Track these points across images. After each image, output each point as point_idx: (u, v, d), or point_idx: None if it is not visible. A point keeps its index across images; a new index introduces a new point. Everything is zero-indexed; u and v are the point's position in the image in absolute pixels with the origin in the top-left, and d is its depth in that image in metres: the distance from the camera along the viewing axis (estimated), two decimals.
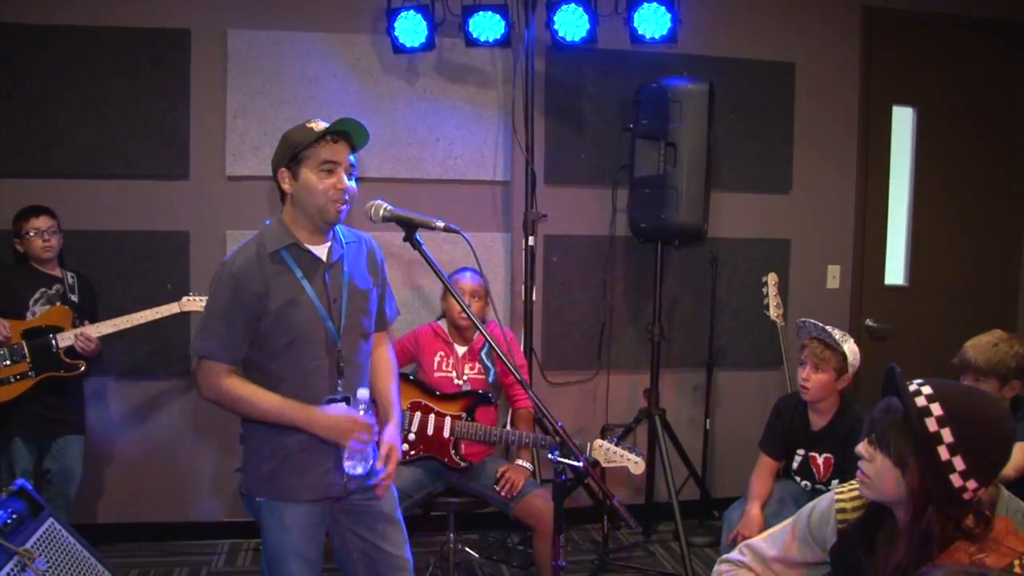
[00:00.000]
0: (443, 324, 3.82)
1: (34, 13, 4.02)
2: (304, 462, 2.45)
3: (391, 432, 2.59)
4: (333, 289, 2.48)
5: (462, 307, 2.53)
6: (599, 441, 3.42)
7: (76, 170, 4.11)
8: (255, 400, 2.38)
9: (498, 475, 3.55)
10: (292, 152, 2.39)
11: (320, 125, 2.41)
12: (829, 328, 3.33)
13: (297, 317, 2.40)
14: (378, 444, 2.54)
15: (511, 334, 3.84)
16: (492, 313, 3.87)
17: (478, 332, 3.73)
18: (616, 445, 3.40)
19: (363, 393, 2.44)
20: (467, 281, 3.76)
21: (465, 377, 3.70)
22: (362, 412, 2.40)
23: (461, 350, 3.74)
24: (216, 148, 4.23)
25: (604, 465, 3.45)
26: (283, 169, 2.42)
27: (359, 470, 2.45)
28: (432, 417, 3.58)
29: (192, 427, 4.34)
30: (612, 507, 3.19)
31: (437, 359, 3.71)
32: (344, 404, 2.45)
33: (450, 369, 3.70)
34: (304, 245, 2.44)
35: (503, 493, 3.50)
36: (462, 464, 3.55)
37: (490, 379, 3.74)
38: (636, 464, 3.40)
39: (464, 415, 3.59)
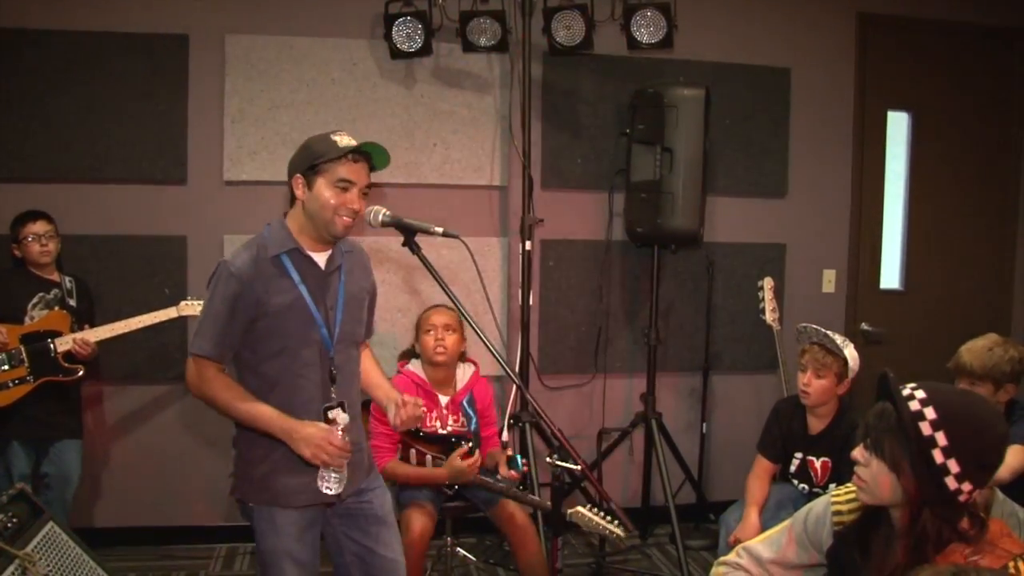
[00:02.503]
0: (417, 369, 3.63)
1: (32, 17, 4.03)
2: (296, 467, 2.45)
3: (385, 391, 2.67)
4: (330, 296, 2.50)
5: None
6: (580, 509, 3.23)
7: (74, 175, 4.11)
8: (236, 402, 2.39)
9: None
10: (311, 161, 2.40)
11: (345, 139, 2.40)
12: (830, 333, 3.35)
13: (293, 322, 2.42)
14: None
15: (490, 391, 3.75)
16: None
17: (459, 383, 3.62)
18: (597, 512, 3.20)
19: (343, 416, 2.45)
20: (438, 316, 3.62)
21: (449, 428, 3.57)
22: (341, 434, 2.37)
23: (444, 400, 3.61)
24: (214, 153, 4.24)
25: (585, 531, 3.33)
26: (299, 175, 2.43)
27: (333, 490, 2.43)
28: (413, 451, 3.47)
29: (189, 432, 4.34)
30: (609, 510, 3.17)
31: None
32: (324, 423, 2.43)
33: (434, 421, 3.56)
34: (305, 251, 2.46)
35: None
36: (452, 491, 3.52)
37: (471, 428, 3.62)
38: (618, 536, 3.18)
39: (444, 457, 3.45)
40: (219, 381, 2.41)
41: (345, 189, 2.39)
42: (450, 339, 3.58)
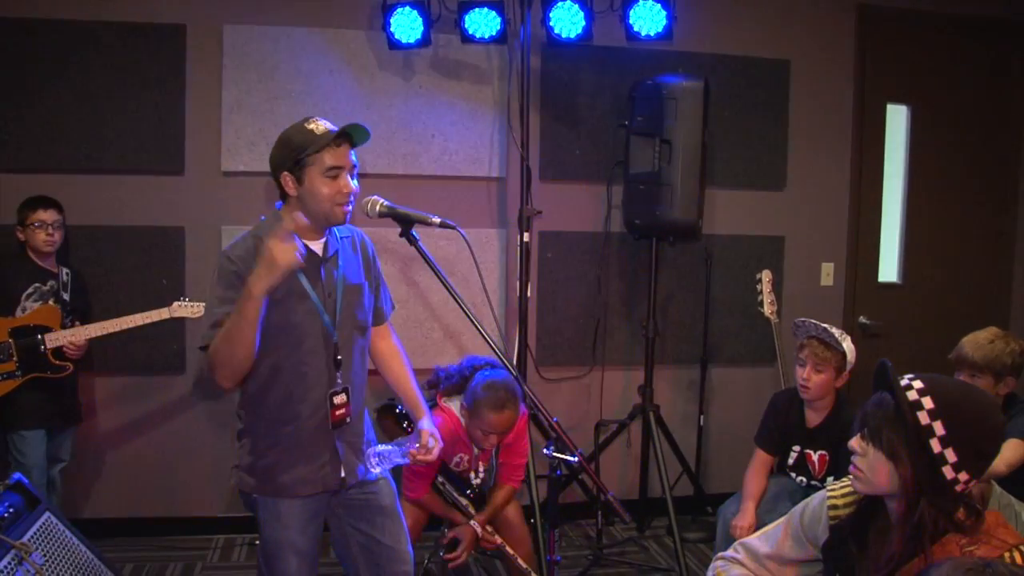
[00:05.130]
0: (457, 409, 3.42)
1: (29, 7, 4.01)
2: (300, 457, 2.47)
3: (426, 423, 2.68)
4: (328, 284, 2.49)
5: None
6: None
7: (71, 165, 4.09)
8: (227, 332, 2.26)
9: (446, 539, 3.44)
10: (295, 156, 2.37)
11: (320, 126, 2.38)
12: (828, 327, 3.34)
13: (294, 310, 2.42)
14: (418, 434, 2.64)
15: (524, 428, 3.56)
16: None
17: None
18: None
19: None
20: (495, 417, 3.21)
21: (481, 475, 3.52)
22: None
23: (477, 449, 3.48)
24: (211, 143, 4.23)
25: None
26: (286, 173, 2.40)
27: (377, 470, 2.52)
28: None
29: (187, 422, 4.33)
30: (606, 502, 3.17)
31: (456, 459, 3.45)
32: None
33: (466, 466, 3.49)
34: (301, 240, 2.45)
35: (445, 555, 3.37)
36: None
37: (491, 478, 3.60)
38: None
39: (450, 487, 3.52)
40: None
41: (335, 176, 2.38)
42: (492, 439, 3.31)
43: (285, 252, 2.18)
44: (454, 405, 3.42)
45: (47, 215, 3.65)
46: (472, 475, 3.50)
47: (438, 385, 3.53)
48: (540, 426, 4.26)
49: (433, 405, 3.48)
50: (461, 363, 3.54)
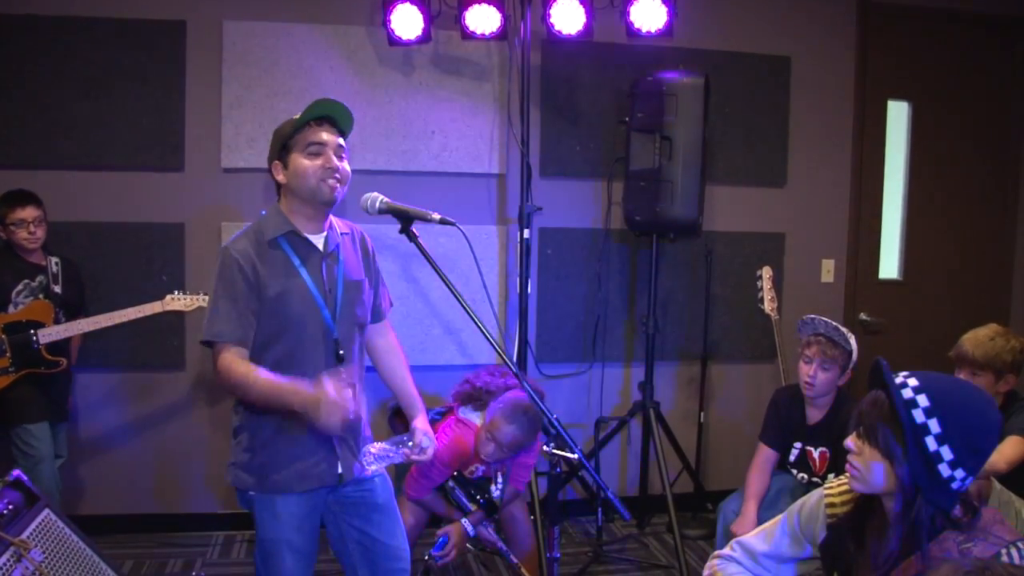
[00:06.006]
0: (478, 421, 3.46)
1: (28, 4, 4.00)
2: (295, 454, 2.46)
3: (421, 421, 2.70)
4: (329, 278, 2.49)
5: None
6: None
7: (70, 162, 4.09)
8: (249, 381, 2.31)
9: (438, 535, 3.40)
10: (281, 143, 2.43)
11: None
12: (837, 325, 3.33)
13: (294, 304, 2.42)
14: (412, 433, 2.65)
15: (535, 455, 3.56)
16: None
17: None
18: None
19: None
20: (503, 425, 3.22)
21: (500, 486, 3.48)
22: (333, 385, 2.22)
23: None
24: (211, 140, 4.22)
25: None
26: (276, 162, 2.45)
27: (372, 468, 2.49)
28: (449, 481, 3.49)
29: (187, 419, 4.33)
30: (606, 499, 3.17)
31: (471, 469, 3.48)
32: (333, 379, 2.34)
33: (481, 475, 3.50)
34: (302, 233, 2.46)
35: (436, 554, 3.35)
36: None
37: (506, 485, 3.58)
38: None
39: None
40: (234, 361, 2.34)
41: (318, 153, 2.40)
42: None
43: (332, 415, 2.18)
44: (476, 418, 3.43)
45: (26, 212, 3.60)
46: (493, 487, 3.48)
47: (480, 398, 3.50)
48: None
49: (445, 413, 3.49)
50: (506, 379, 3.54)
